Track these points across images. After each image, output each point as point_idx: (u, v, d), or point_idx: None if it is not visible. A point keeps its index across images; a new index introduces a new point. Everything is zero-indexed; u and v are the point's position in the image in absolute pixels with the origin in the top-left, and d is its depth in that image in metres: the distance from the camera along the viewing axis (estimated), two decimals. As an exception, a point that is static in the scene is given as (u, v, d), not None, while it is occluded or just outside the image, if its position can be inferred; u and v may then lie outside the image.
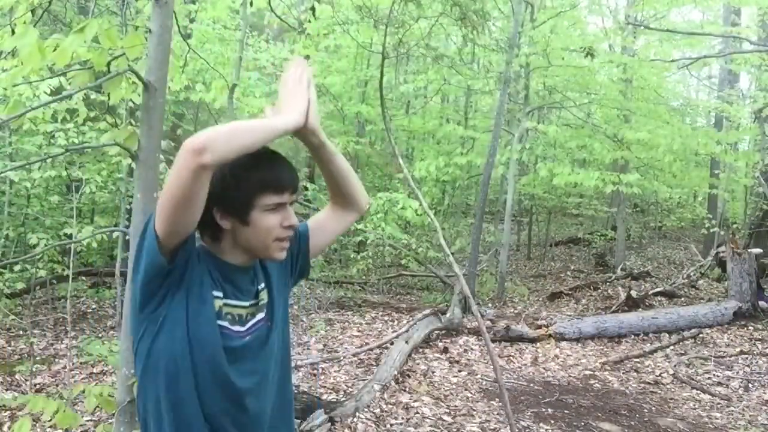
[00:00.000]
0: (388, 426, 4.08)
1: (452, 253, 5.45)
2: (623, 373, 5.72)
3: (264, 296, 1.49)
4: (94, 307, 7.44)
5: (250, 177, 1.36)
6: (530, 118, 10.05)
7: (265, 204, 1.37)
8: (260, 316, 1.47)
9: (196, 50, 5.31)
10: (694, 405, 4.88)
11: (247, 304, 1.44)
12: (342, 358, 5.59)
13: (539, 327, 6.89)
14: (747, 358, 6.16)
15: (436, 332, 6.46)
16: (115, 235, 6.18)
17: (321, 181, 11.23)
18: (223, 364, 1.38)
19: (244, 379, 1.41)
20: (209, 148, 1.19)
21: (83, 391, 2.58)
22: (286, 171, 1.41)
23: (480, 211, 8.39)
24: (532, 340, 6.59)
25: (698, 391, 5.18)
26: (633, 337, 6.91)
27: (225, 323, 1.39)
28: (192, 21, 7.23)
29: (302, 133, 1.42)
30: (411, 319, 6.80)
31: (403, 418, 4.23)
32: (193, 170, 1.19)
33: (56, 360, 5.34)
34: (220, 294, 1.39)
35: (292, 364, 5.37)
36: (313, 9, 5.35)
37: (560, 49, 9.30)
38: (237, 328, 1.41)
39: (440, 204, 12.32)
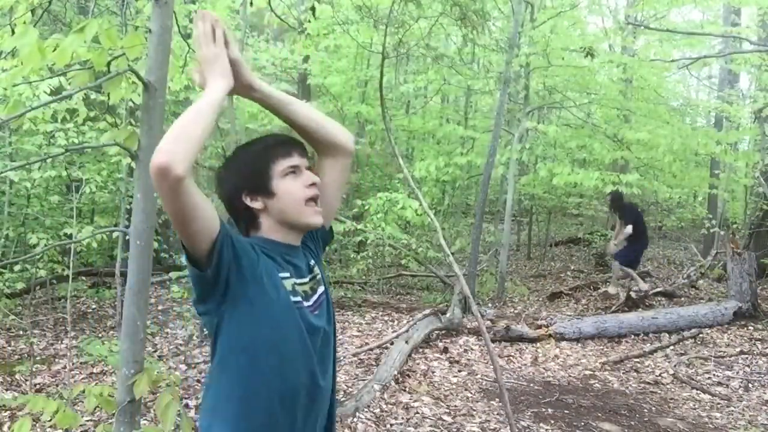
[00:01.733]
0: (388, 426, 4.07)
1: (452, 253, 5.46)
2: (623, 373, 5.72)
3: (317, 270, 1.55)
4: (94, 307, 7.44)
5: (257, 150, 1.43)
6: (530, 118, 10.04)
7: (281, 170, 1.43)
8: (320, 290, 1.53)
9: (196, 50, 5.30)
10: (694, 405, 4.88)
11: (306, 280, 1.49)
12: (342, 358, 5.58)
13: (539, 327, 6.89)
14: (747, 358, 6.16)
15: (436, 332, 6.45)
16: (115, 235, 6.18)
17: (321, 181, 11.20)
18: (305, 339, 1.42)
19: (318, 353, 1.47)
20: (171, 161, 1.18)
21: (83, 391, 2.57)
22: (284, 135, 1.48)
23: (480, 211, 8.39)
24: (532, 340, 6.59)
25: (698, 391, 5.18)
26: (633, 337, 6.91)
27: (299, 299, 1.44)
28: (192, 21, 7.22)
29: (241, 93, 1.44)
30: (411, 319, 6.79)
31: (403, 418, 4.23)
32: (172, 189, 1.20)
33: (56, 360, 5.34)
34: (287, 274, 1.43)
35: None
36: (313, 9, 5.35)
37: (560, 49, 9.30)
38: (307, 303, 1.47)
39: (440, 204, 12.32)
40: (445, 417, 4.32)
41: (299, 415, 1.44)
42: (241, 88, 1.43)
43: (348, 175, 1.67)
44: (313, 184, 1.47)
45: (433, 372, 5.38)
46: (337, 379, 5.21)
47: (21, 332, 6.03)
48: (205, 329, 1.46)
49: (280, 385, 1.39)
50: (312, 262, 1.54)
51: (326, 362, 1.51)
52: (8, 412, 4.05)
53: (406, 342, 5.63)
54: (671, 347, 6.50)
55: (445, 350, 6.07)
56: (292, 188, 1.44)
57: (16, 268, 5.82)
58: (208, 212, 1.28)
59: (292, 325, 1.40)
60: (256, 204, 1.43)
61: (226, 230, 1.33)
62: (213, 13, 1.39)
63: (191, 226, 1.27)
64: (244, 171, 1.44)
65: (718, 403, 4.91)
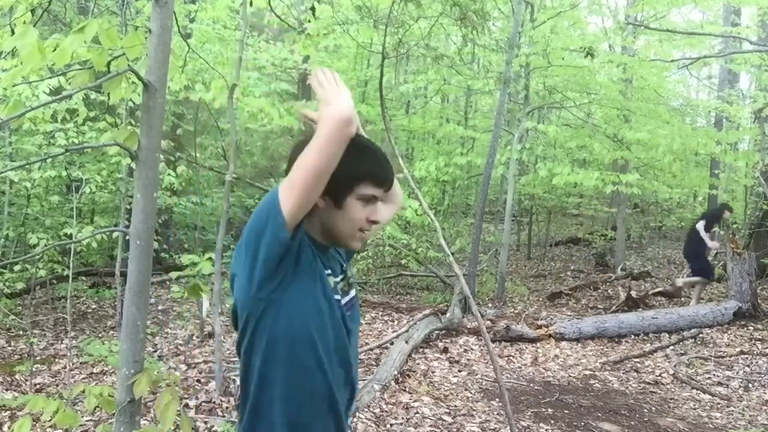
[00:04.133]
0: (388, 426, 4.07)
1: (452, 253, 5.46)
2: (623, 373, 5.72)
3: (350, 273, 1.58)
4: (94, 307, 7.44)
5: (360, 163, 1.40)
6: (530, 118, 10.04)
7: (363, 193, 1.43)
8: (352, 292, 1.56)
9: (196, 50, 5.30)
10: (694, 405, 4.88)
11: (339, 279, 1.51)
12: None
13: (539, 327, 6.89)
14: (747, 358, 6.16)
15: (436, 332, 6.45)
16: (115, 235, 6.18)
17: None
18: (344, 336, 1.45)
19: (353, 351, 1.50)
20: (353, 118, 1.29)
21: (83, 391, 2.57)
22: (389, 167, 1.48)
23: (480, 211, 8.39)
24: (532, 340, 6.59)
25: (698, 391, 5.18)
26: (633, 337, 6.92)
27: (339, 297, 1.47)
28: (192, 21, 7.23)
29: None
30: (411, 319, 6.80)
31: (403, 418, 4.23)
32: (344, 140, 1.28)
33: (56, 360, 5.34)
34: (329, 271, 1.46)
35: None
36: (313, 9, 5.35)
37: (560, 49, 9.30)
38: (343, 301, 1.49)
39: (440, 204, 12.31)
40: (445, 417, 4.32)
41: (341, 410, 1.46)
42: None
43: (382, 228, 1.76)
44: (376, 222, 1.47)
45: (433, 372, 5.38)
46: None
47: (21, 332, 6.03)
48: (243, 318, 1.44)
49: (324, 379, 1.41)
50: (344, 264, 1.57)
51: (356, 359, 1.55)
52: (8, 412, 4.05)
53: (406, 342, 5.63)
54: (671, 347, 6.50)
55: (445, 350, 6.07)
56: (358, 214, 1.44)
57: (16, 268, 5.82)
58: None
59: (335, 320, 1.43)
60: (320, 201, 1.41)
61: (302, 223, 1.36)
62: (327, 70, 1.47)
63: (317, 191, 1.31)
64: (334, 171, 1.41)
65: (718, 403, 4.91)
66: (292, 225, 1.31)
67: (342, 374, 1.46)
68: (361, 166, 1.42)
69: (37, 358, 5.22)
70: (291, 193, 1.29)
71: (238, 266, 1.39)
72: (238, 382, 4.71)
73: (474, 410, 4.50)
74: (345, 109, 1.29)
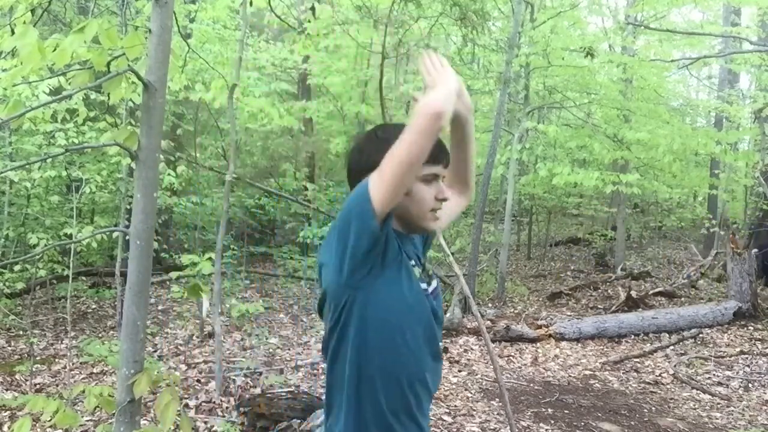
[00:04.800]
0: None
1: (452, 253, 5.45)
2: (623, 373, 5.72)
3: (428, 265, 1.60)
4: (94, 307, 7.44)
5: None
6: (530, 118, 10.04)
7: (424, 174, 1.45)
8: (435, 282, 1.57)
9: (196, 50, 5.30)
10: (694, 405, 4.88)
11: (421, 269, 1.53)
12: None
13: (539, 327, 6.89)
14: (747, 358, 6.16)
15: (436, 332, 6.45)
16: (115, 235, 6.18)
17: (321, 181, 11.22)
18: (433, 325, 1.48)
19: (439, 340, 1.53)
20: (446, 112, 1.32)
21: (83, 391, 2.57)
22: (441, 143, 1.50)
23: (480, 211, 8.39)
24: (532, 340, 6.59)
25: (698, 391, 5.18)
26: (633, 337, 6.91)
27: (425, 286, 1.49)
28: (192, 21, 7.23)
29: (458, 106, 1.51)
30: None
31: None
32: (435, 133, 1.30)
33: (56, 360, 5.34)
34: (413, 262, 1.49)
35: (294, 364, 5.38)
36: (313, 9, 5.35)
37: (560, 49, 9.29)
38: (428, 290, 1.51)
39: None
40: (445, 417, 4.32)
41: (424, 399, 1.48)
42: (462, 105, 1.54)
43: (458, 215, 1.78)
44: (444, 199, 1.50)
45: (433, 372, 5.38)
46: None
47: (21, 332, 6.03)
48: (333, 308, 1.44)
49: (412, 366, 1.43)
50: (420, 254, 1.59)
51: (441, 358, 1.57)
52: (8, 412, 4.05)
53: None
54: (671, 347, 6.50)
55: (445, 350, 6.07)
56: (426, 195, 1.47)
57: (16, 268, 5.82)
58: None
59: (422, 309, 1.45)
60: None
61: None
62: (433, 52, 1.52)
63: (409, 179, 1.33)
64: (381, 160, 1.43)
65: (718, 403, 4.91)
66: (382, 215, 1.32)
67: (431, 363, 1.48)
68: None
69: (37, 358, 5.22)
70: (381, 184, 1.30)
71: (327, 255, 1.41)
72: (238, 382, 4.71)
73: (474, 410, 4.50)
74: (438, 104, 1.32)
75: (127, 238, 2.67)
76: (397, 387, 1.41)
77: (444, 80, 1.42)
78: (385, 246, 1.37)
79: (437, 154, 1.47)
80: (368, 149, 1.49)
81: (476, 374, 5.43)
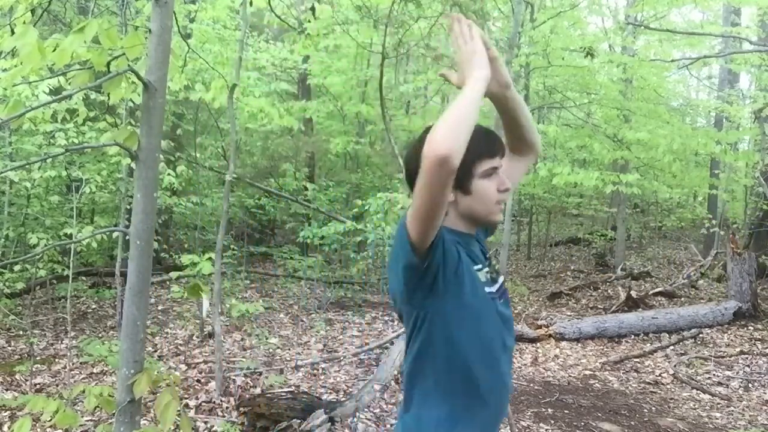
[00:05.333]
0: (388, 426, 4.07)
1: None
2: (623, 373, 5.72)
3: (494, 261, 1.59)
4: (94, 307, 7.44)
5: (469, 148, 1.35)
6: (530, 118, 10.02)
7: (483, 170, 1.44)
8: (501, 279, 1.56)
9: (196, 50, 5.30)
10: (694, 405, 4.88)
11: (488, 267, 1.52)
12: (342, 358, 5.58)
13: (539, 327, 6.89)
14: (747, 358, 6.16)
15: (436, 332, 6.45)
16: (115, 235, 6.18)
17: (321, 181, 11.23)
18: (502, 330, 1.47)
19: (509, 338, 1.51)
20: (453, 151, 1.21)
21: (83, 391, 2.57)
22: (494, 135, 1.48)
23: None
24: (532, 340, 6.59)
25: (698, 391, 5.18)
26: (633, 337, 6.91)
27: (492, 290, 1.48)
28: (192, 21, 7.22)
29: (495, 90, 1.47)
30: (411, 319, 6.78)
31: (403, 418, 4.22)
32: (446, 180, 1.23)
33: (56, 360, 5.34)
34: (480, 266, 1.47)
35: (294, 364, 5.38)
36: (313, 9, 5.35)
37: (560, 49, 9.29)
38: (494, 290, 1.50)
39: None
40: (445, 417, 4.31)
41: (497, 409, 1.48)
42: (497, 85, 1.46)
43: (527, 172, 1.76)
44: (507, 190, 1.48)
45: (433, 372, 5.37)
46: (338, 379, 5.22)
47: (21, 332, 6.03)
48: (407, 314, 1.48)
49: (485, 376, 1.42)
50: (484, 248, 1.58)
51: (513, 344, 1.56)
52: (8, 412, 4.05)
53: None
54: (671, 347, 6.50)
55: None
56: (488, 190, 1.45)
57: (16, 268, 5.82)
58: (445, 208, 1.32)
59: (491, 318, 1.44)
60: (449, 196, 1.42)
61: (441, 230, 1.35)
62: (461, 17, 1.44)
63: (437, 219, 1.29)
64: None
65: (718, 403, 4.91)
66: (423, 247, 1.31)
67: (504, 369, 1.48)
68: (472, 148, 1.38)
69: (37, 358, 5.22)
70: (414, 222, 1.30)
71: (393, 279, 1.42)
72: (238, 382, 4.71)
73: (474, 410, 4.49)
74: (440, 146, 1.21)
75: (127, 238, 2.67)
76: (470, 399, 1.42)
77: (475, 63, 1.35)
78: (442, 269, 1.36)
79: (492, 148, 1.45)
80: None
81: (476, 374, 5.43)
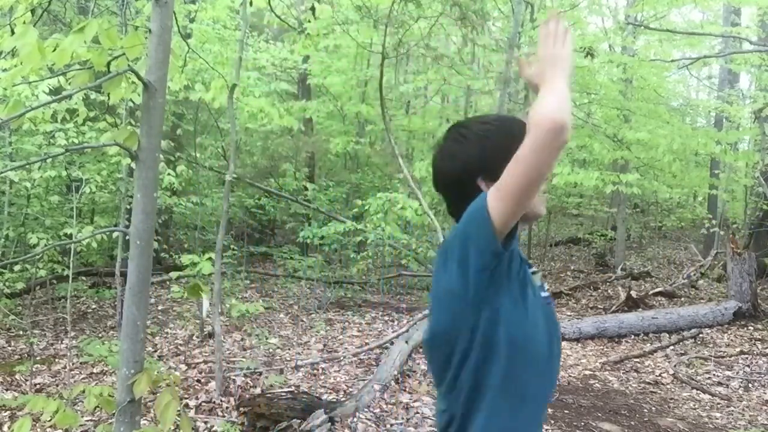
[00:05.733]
0: (388, 426, 4.07)
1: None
2: (623, 373, 5.72)
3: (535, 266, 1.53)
4: (94, 307, 7.44)
5: (515, 138, 1.29)
6: (530, 118, 10.01)
7: None
8: (545, 283, 1.49)
9: (196, 50, 5.30)
10: (694, 405, 4.88)
11: (539, 273, 1.46)
12: (342, 358, 5.58)
13: (539, 327, 6.89)
14: (747, 358, 6.16)
15: (436, 332, 6.44)
16: (115, 235, 6.19)
17: (321, 181, 11.23)
18: (554, 333, 1.40)
19: (558, 348, 1.44)
20: (569, 124, 1.16)
21: (83, 391, 2.57)
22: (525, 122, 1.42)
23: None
24: (532, 340, 6.58)
25: (698, 391, 5.18)
26: (633, 337, 6.91)
27: (546, 294, 1.42)
28: (192, 21, 7.23)
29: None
30: (411, 319, 6.79)
31: (403, 418, 4.23)
32: (558, 152, 1.18)
33: (56, 360, 5.34)
34: (535, 269, 1.40)
35: (294, 364, 5.37)
36: (313, 9, 5.35)
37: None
38: (548, 298, 1.44)
39: (440, 204, 12.30)
40: (445, 417, 4.31)
41: (545, 413, 1.43)
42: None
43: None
44: (547, 179, 1.41)
45: (433, 372, 5.37)
46: (338, 379, 5.21)
47: (21, 332, 6.03)
48: (453, 329, 1.36)
49: (546, 381, 1.38)
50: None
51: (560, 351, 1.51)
52: (8, 412, 4.05)
53: (406, 342, 5.63)
54: (671, 347, 6.50)
55: (445, 350, 6.06)
56: None
57: (16, 268, 5.82)
58: None
59: (545, 321, 1.38)
60: None
61: None
62: (558, 15, 1.38)
63: (532, 198, 1.23)
64: (488, 154, 1.36)
65: (718, 403, 4.91)
66: (504, 233, 1.25)
67: (555, 374, 1.43)
68: (508, 137, 1.35)
69: (37, 358, 5.22)
70: (502, 202, 1.21)
71: (446, 281, 1.32)
72: (238, 382, 4.71)
73: (474, 410, 4.49)
74: (556, 114, 1.16)
75: (127, 238, 2.67)
76: (526, 405, 1.36)
77: (557, 70, 1.28)
78: (509, 263, 1.30)
79: None
80: (461, 153, 1.39)
81: (476, 374, 5.42)
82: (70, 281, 5.38)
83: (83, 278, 8.26)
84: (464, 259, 1.27)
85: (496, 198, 1.21)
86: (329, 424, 3.83)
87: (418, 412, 4.35)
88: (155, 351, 5.68)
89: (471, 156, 1.37)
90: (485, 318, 1.30)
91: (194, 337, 6.18)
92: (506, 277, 1.29)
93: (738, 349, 6.41)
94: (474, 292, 1.28)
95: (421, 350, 5.93)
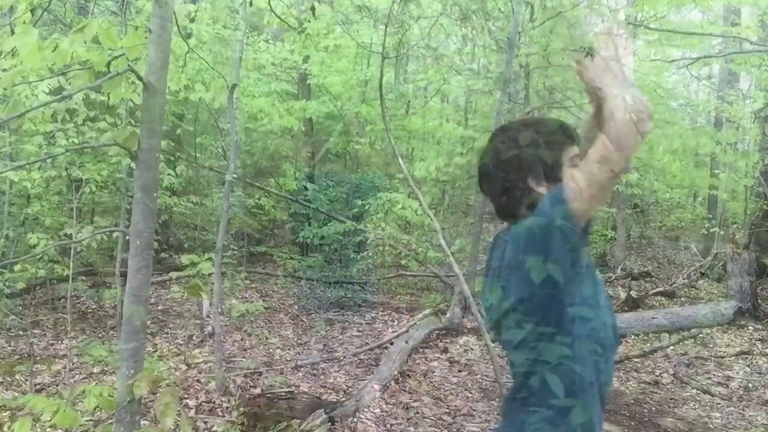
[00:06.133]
0: (388, 426, 4.07)
1: (452, 253, 5.46)
2: (623, 373, 5.72)
3: None
4: (94, 307, 7.44)
5: (558, 138, 1.41)
6: (530, 118, 10.02)
7: (570, 158, 1.45)
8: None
9: (196, 50, 5.30)
10: (694, 405, 4.88)
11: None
12: (342, 358, 5.58)
13: (539, 327, 6.89)
14: (747, 358, 6.16)
15: (436, 332, 6.45)
16: (115, 235, 6.19)
17: (321, 181, 11.22)
18: (609, 327, 1.45)
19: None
20: (649, 111, 1.23)
21: (83, 391, 2.57)
22: (568, 125, 1.49)
23: (480, 211, 8.39)
24: (532, 340, 6.58)
25: (698, 391, 5.18)
26: (633, 337, 6.91)
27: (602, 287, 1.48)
28: (192, 21, 7.22)
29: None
30: (411, 319, 6.79)
31: (403, 418, 4.23)
32: (639, 144, 1.24)
33: (56, 360, 5.34)
34: (592, 260, 1.47)
35: (293, 364, 5.37)
36: (313, 9, 5.35)
37: (560, 49, 9.29)
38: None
39: (440, 204, 12.31)
40: (445, 417, 4.32)
41: (602, 407, 1.48)
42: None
43: None
44: None
45: (433, 372, 5.38)
46: (338, 379, 5.21)
47: (21, 332, 6.03)
48: (522, 317, 1.39)
49: (599, 373, 1.41)
50: None
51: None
52: (8, 412, 4.05)
53: (406, 342, 5.63)
54: (671, 347, 6.50)
55: (445, 350, 6.07)
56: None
57: (16, 268, 5.82)
58: None
59: (604, 313, 1.43)
60: (542, 189, 1.43)
61: None
62: (626, 28, 1.45)
63: (610, 190, 1.30)
64: (541, 159, 1.44)
65: (718, 403, 4.91)
66: (581, 226, 1.31)
67: (612, 367, 1.47)
68: (562, 137, 1.43)
69: (37, 358, 5.22)
70: (582, 198, 1.28)
71: (514, 268, 1.37)
72: (238, 382, 4.71)
73: (474, 410, 4.50)
74: (646, 107, 1.23)
75: (127, 238, 2.67)
76: (586, 396, 1.42)
77: (613, 78, 1.34)
78: (582, 255, 1.36)
79: (572, 136, 1.48)
80: (510, 156, 1.46)
81: (476, 374, 5.43)
82: (70, 281, 5.38)
83: (83, 278, 8.26)
84: (544, 251, 1.32)
85: (576, 197, 1.28)
86: (329, 424, 3.83)
87: (418, 412, 4.36)
88: (155, 351, 5.68)
89: (520, 159, 1.44)
90: (553, 306, 1.36)
91: (194, 337, 6.18)
92: (580, 266, 1.37)
93: (738, 349, 6.41)
94: (561, 286, 1.34)
95: (421, 350, 5.93)
